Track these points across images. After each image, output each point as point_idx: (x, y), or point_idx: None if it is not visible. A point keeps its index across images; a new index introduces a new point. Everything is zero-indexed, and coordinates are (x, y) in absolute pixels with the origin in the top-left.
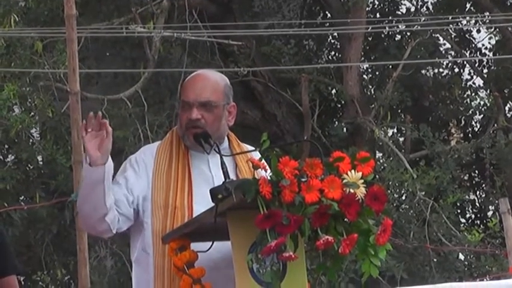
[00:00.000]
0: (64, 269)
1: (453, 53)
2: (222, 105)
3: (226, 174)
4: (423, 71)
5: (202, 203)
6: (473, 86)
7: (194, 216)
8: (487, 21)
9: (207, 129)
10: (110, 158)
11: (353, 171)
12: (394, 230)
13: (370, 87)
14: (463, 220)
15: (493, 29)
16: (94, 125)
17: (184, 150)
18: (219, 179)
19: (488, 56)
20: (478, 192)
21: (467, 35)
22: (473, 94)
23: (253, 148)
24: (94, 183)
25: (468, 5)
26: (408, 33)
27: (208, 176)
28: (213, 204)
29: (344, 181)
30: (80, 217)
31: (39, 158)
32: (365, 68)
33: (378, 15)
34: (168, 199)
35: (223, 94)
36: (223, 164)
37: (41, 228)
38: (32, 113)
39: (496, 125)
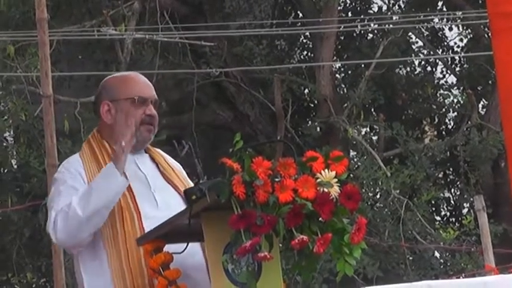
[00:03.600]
0: (36, 271)
1: (425, 51)
2: None
3: (200, 174)
4: (395, 70)
5: (146, 202)
6: (446, 84)
7: (143, 216)
8: (458, 19)
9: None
10: None
11: (326, 170)
12: (369, 228)
13: (343, 86)
14: (437, 218)
15: (465, 28)
16: None
17: (111, 153)
18: (152, 178)
19: (460, 54)
20: (452, 190)
21: (439, 34)
22: (446, 92)
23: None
24: (119, 192)
25: (440, 3)
26: (381, 32)
27: (141, 176)
28: (155, 202)
29: (318, 180)
30: (79, 220)
31: (13, 161)
32: (337, 67)
33: (350, 14)
34: None
35: None
36: (197, 165)
37: (13, 231)
38: (5, 117)
39: (469, 122)
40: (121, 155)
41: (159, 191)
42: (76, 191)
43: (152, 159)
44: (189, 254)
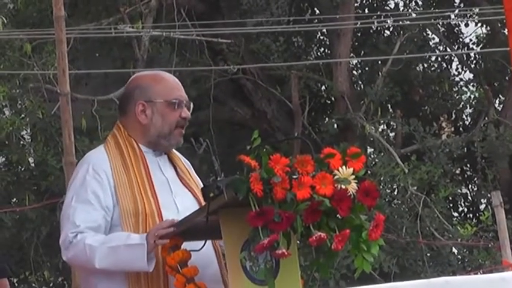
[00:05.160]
0: (54, 270)
1: (441, 47)
2: None
3: (218, 171)
4: (412, 66)
5: (168, 208)
6: (463, 80)
7: None
8: (475, 15)
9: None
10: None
11: (344, 167)
12: (386, 225)
13: (360, 82)
14: (455, 214)
15: (481, 24)
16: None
17: (139, 153)
18: (173, 182)
19: (477, 50)
20: (469, 186)
21: (455, 30)
22: (462, 88)
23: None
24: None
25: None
26: (398, 29)
27: (163, 180)
28: (176, 208)
29: (335, 177)
30: (93, 266)
31: (30, 159)
32: (354, 63)
33: (366, 10)
34: (137, 207)
35: None
36: (215, 162)
37: (30, 229)
38: (23, 115)
39: (486, 118)
40: (154, 248)
41: (179, 197)
42: (92, 208)
43: (170, 160)
44: (204, 266)
